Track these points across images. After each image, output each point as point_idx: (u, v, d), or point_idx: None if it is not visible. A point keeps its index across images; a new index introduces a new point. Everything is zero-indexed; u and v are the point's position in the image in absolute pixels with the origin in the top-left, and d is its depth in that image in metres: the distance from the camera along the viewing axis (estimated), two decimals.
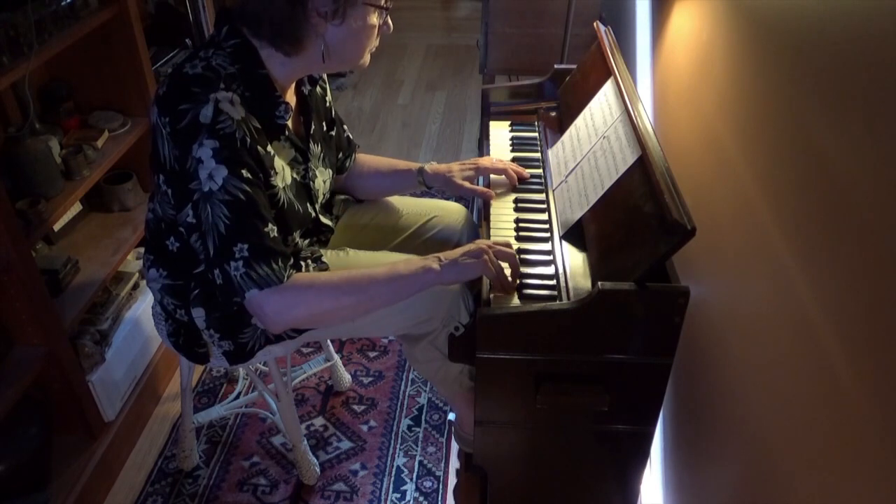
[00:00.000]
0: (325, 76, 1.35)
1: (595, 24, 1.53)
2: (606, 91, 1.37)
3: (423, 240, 1.50)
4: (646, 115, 1.20)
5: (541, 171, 1.45)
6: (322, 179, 1.33)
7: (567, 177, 1.33)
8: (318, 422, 1.80)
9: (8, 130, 1.57)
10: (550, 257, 1.20)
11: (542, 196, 1.37)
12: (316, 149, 1.30)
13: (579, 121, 1.41)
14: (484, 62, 2.39)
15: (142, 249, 1.55)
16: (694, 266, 1.24)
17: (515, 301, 1.11)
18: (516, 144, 1.55)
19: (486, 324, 1.06)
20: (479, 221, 1.46)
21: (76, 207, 1.77)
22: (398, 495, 1.62)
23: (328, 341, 1.84)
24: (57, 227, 1.69)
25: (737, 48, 1.10)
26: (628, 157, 1.15)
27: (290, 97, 1.23)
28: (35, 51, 1.37)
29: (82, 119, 1.77)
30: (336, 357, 1.85)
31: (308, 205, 1.28)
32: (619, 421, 1.16)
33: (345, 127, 1.46)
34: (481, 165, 1.43)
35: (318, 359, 1.89)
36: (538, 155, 1.51)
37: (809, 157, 0.82)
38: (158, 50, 2.08)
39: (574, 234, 1.22)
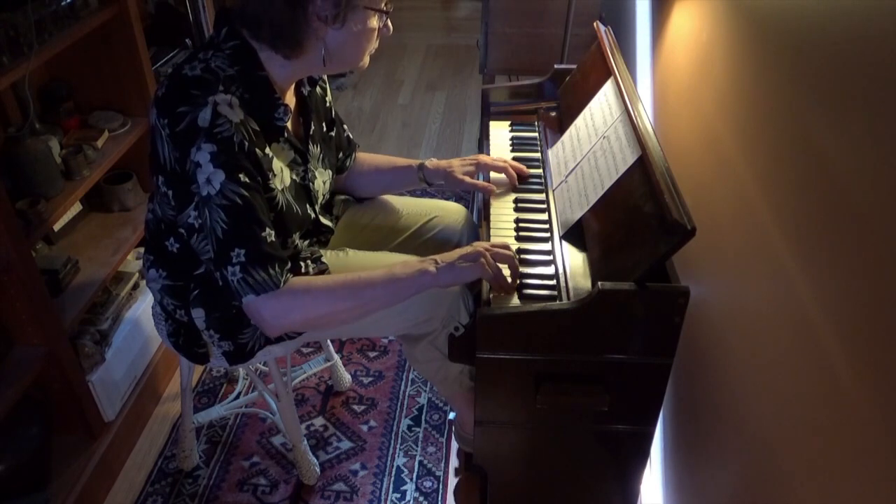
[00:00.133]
0: (325, 77, 1.35)
1: (595, 24, 1.53)
2: (606, 91, 1.37)
3: (424, 240, 1.50)
4: (646, 115, 1.20)
5: (541, 171, 1.45)
6: (322, 180, 1.33)
7: (567, 177, 1.33)
8: (318, 422, 1.80)
9: (8, 130, 1.57)
10: (550, 257, 1.20)
11: (542, 196, 1.37)
12: (315, 150, 1.30)
13: (579, 121, 1.41)
14: (484, 62, 2.39)
15: (142, 249, 1.55)
16: (694, 266, 1.24)
17: (515, 301, 1.11)
18: (516, 144, 1.55)
19: (485, 324, 1.06)
20: (479, 221, 1.46)
21: (76, 207, 1.77)
22: (398, 495, 1.62)
23: (328, 341, 1.84)
24: (57, 227, 1.69)
25: (737, 48, 1.10)
26: (628, 157, 1.15)
27: (290, 98, 1.23)
28: (35, 51, 1.37)
29: (82, 119, 1.77)
30: (336, 357, 1.85)
31: (307, 206, 1.28)
32: (619, 421, 1.16)
33: (345, 126, 1.46)
34: (482, 162, 1.43)
35: (318, 359, 1.89)
36: (538, 155, 1.51)
37: (809, 157, 0.82)
38: (158, 50, 2.08)
39: (574, 234, 1.22)
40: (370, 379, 1.92)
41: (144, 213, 1.30)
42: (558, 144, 1.44)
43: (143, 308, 1.79)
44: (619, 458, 1.22)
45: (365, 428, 1.78)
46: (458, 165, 1.44)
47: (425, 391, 1.89)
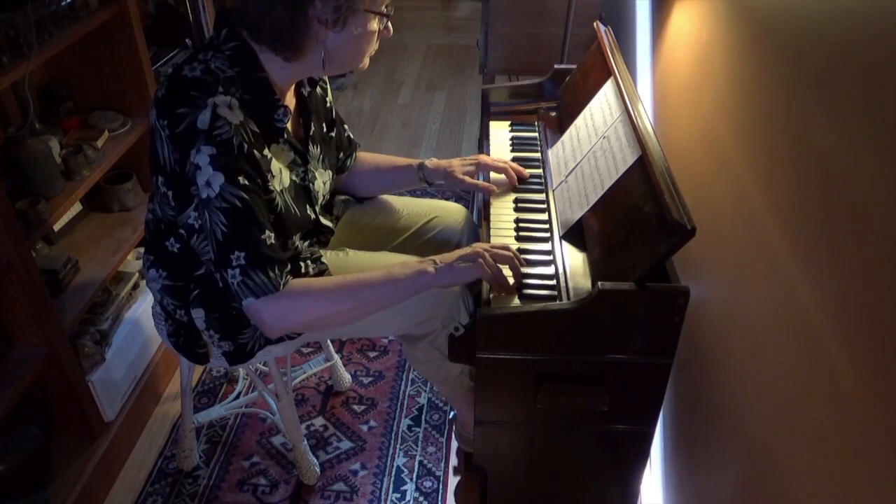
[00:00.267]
0: (325, 77, 1.35)
1: (595, 24, 1.53)
2: (606, 91, 1.37)
3: (424, 240, 1.50)
4: (646, 115, 1.20)
5: (541, 171, 1.45)
6: (322, 181, 1.33)
7: (567, 177, 1.33)
8: (318, 422, 1.80)
9: (8, 130, 1.57)
10: (550, 257, 1.20)
11: (542, 196, 1.37)
12: (315, 150, 1.30)
13: (579, 121, 1.41)
14: (484, 62, 2.39)
15: (142, 249, 1.55)
16: (694, 266, 1.24)
17: (515, 301, 1.11)
18: (516, 144, 1.55)
19: (485, 324, 1.06)
20: (479, 222, 1.46)
21: (76, 207, 1.77)
22: (398, 495, 1.62)
23: (328, 341, 1.84)
24: (57, 227, 1.69)
25: (737, 48, 1.10)
26: (628, 157, 1.15)
27: (290, 99, 1.23)
28: (35, 51, 1.37)
29: (82, 119, 1.77)
30: (336, 357, 1.85)
31: (308, 207, 1.28)
32: (619, 421, 1.16)
33: (345, 126, 1.46)
34: (482, 162, 1.43)
35: (318, 359, 1.89)
36: (538, 155, 1.51)
37: (809, 157, 0.82)
38: (158, 50, 2.08)
39: (574, 234, 1.22)
40: (370, 379, 1.93)
41: (144, 213, 1.30)
42: (558, 144, 1.44)
43: (143, 308, 1.79)
44: (619, 458, 1.22)
45: (365, 428, 1.78)
46: (458, 165, 1.44)
47: (425, 391, 1.89)
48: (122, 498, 1.63)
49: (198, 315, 1.24)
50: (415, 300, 1.18)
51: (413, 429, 1.78)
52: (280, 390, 1.48)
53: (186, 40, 2.17)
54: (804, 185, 0.83)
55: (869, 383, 0.68)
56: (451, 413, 1.80)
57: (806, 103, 0.84)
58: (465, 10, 4.70)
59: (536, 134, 1.58)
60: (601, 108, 1.35)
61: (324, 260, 1.31)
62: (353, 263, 1.33)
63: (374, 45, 1.17)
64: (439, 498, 1.62)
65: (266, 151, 1.14)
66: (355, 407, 1.84)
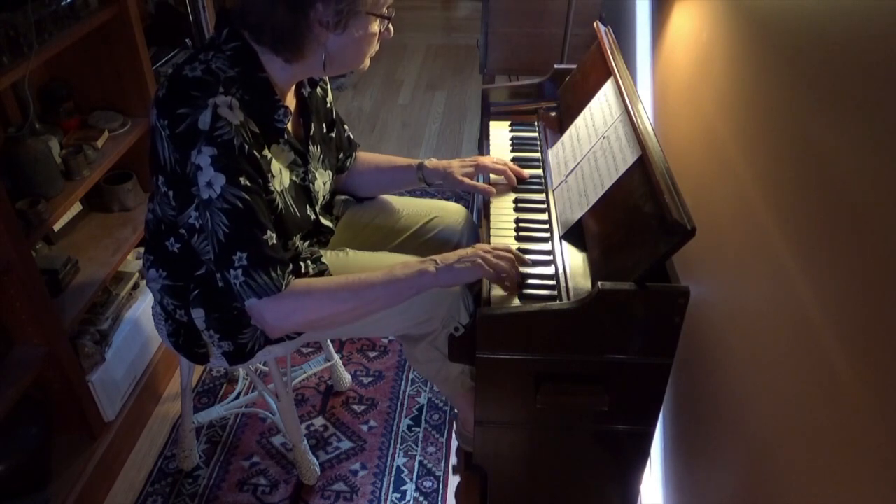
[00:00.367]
0: (325, 77, 1.35)
1: (595, 24, 1.53)
2: (606, 91, 1.37)
3: (424, 240, 1.50)
4: (646, 115, 1.20)
5: (541, 171, 1.45)
6: (322, 181, 1.33)
7: (567, 177, 1.33)
8: (318, 422, 1.80)
9: (8, 130, 1.57)
10: (550, 257, 1.20)
11: (542, 196, 1.37)
12: (315, 151, 1.30)
13: (579, 121, 1.41)
14: (484, 62, 2.39)
15: (142, 249, 1.55)
16: (694, 266, 1.24)
17: (515, 301, 1.11)
18: (516, 144, 1.55)
19: (486, 324, 1.06)
20: (479, 222, 1.46)
21: (76, 207, 1.77)
22: (398, 495, 1.62)
23: (328, 341, 1.84)
24: (57, 227, 1.69)
25: (737, 48, 1.10)
26: (628, 157, 1.15)
27: (290, 100, 1.23)
28: (35, 51, 1.37)
29: (82, 119, 1.77)
30: (336, 357, 1.85)
31: (308, 207, 1.28)
32: (619, 421, 1.16)
33: (345, 126, 1.46)
34: (481, 163, 1.43)
35: (318, 359, 1.89)
36: (538, 155, 1.51)
37: (809, 157, 0.82)
38: (158, 50, 2.08)
39: (574, 234, 1.22)
40: (370, 379, 1.93)
41: (144, 213, 1.30)
42: (558, 144, 1.44)
43: (143, 308, 1.79)
44: (619, 457, 1.22)
45: (365, 428, 1.78)
46: (457, 166, 1.44)
47: (425, 391, 1.89)
48: (122, 498, 1.63)
49: (198, 315, 1.24)
50: (415, 300, 1.19)
51: (413, 429, 1.79)
52: (280, 390, 1.48)
53: (186, 40, 2.17)
54: (804, 185, 0.83)
55: (869, 383, 0.68)
56: (454, 411, 1.80)
57: (806, 103, 0.84)
58: (465, 10, 4.70)
59: (536, 134, 1.58)
60: (601, 108, 1.35)
61: (324, 260, 1.31)
62: (353, 263, 1.33)
63: (375, 47, 1.18)
64: (439, 498, 1.62)
65: (266, 152, 1.14)
66: (355, 407, 1.84)
